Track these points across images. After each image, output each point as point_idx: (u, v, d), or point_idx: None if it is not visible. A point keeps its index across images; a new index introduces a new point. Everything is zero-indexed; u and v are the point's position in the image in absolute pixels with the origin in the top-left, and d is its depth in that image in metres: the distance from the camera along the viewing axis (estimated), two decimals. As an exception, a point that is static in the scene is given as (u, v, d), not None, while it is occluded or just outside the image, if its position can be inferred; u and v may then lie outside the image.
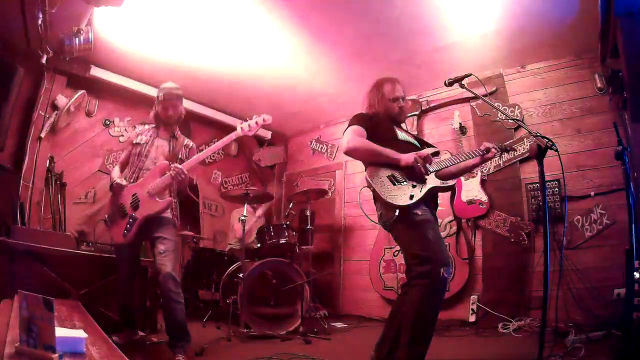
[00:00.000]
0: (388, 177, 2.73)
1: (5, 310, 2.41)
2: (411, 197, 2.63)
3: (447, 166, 2.85)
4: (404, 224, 2.68)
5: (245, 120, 3.32)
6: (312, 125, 7.49)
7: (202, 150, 3.51)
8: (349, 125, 2.93)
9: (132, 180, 3.30)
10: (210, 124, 6.81)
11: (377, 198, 2.76)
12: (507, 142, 2.74)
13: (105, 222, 3.36)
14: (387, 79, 3.13)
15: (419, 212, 2.64)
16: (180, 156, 3.39)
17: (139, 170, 3.28)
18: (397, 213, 2.66)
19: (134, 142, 3.42)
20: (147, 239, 3.17)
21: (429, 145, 3.11)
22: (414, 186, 2.69)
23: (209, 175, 7.09)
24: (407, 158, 2.71)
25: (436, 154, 2.94)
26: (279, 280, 4.56)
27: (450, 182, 2.88)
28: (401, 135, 2.98)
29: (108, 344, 2.21)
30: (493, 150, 2.86)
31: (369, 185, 2.75)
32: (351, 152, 2.85)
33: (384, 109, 3.05)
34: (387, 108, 3.05)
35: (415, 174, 2.71)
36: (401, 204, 2.62)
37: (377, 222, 2.93)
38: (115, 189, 3.29)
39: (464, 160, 2.88)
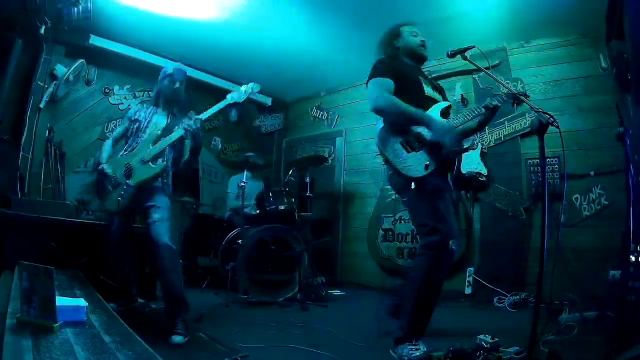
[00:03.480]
0: (401, 143, 2.60)
1: (6, 281, 2.44)
2: (426, 167, 2.51)
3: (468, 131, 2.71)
4: (415, 192, 2.56)
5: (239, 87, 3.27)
6: (313, 92, 7.42)
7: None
8: (372, 76, 2.71)
9: (126, 154, 3.25)
10: (211, 91, 6.66)
11: (389, 165, 2.65)
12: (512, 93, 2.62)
13: (97, 196, 3.33)
14: (406, 23, 2.98)
15: (432, 181, 2.53)
16: None
17: (136, 145, 3.23)
18: (413, 186, 2.54)
19: (132, 118, 3.37)
20: (140, 209, 3.15)
21: (445, 98, 2.97)
22: (428, 153, 2.54)
23: (208, 141, 7.04)
24: (440, 130, 2.52)
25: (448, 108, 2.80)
26: (278, 246, 4.59)
27: (465, 145, 2.68)
28: (427, 89, 2.78)
29: (108, 312, 2.25)
30: (493, 109, 2.65)
31: (381, 153, 2.66)
32: (379, 113, 2.66)
33: (408, 53, 2.91)
34: (413, 53, 2.91)
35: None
36: (417, 176, 2.51)
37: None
38: (98, 175, 3.23)
39: (477, 119, 2.71)
